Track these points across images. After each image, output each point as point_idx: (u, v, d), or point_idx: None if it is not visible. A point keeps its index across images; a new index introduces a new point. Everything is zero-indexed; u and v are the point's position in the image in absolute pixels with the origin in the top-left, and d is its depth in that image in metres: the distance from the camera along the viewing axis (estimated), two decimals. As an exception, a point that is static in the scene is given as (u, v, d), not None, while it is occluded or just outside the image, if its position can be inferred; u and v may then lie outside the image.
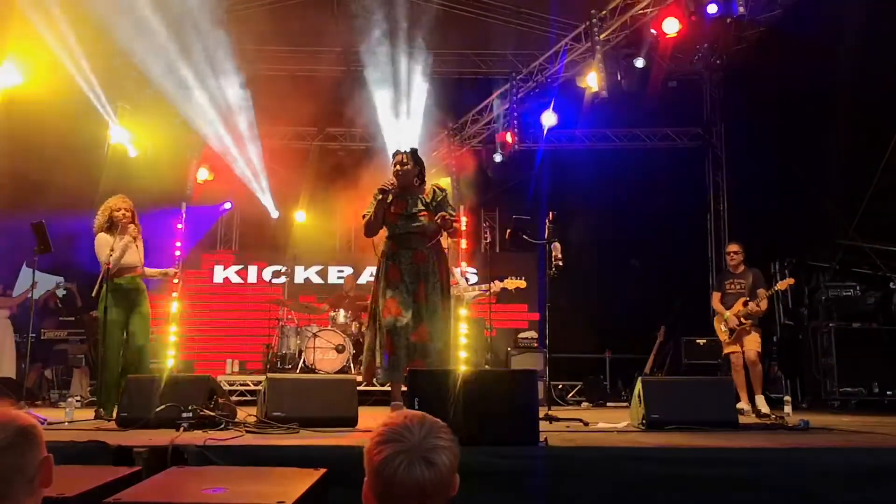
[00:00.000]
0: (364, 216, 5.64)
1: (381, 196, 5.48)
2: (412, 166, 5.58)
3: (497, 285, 7.72)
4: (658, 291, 11.16)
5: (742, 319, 7.44)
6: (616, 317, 11.27)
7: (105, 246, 6.17)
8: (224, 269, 11.87)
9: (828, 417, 6.86)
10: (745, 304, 7.44)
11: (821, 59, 8.95)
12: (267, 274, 11.58)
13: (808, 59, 9.18)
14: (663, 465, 3.65)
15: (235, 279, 11.84)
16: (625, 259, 11.51)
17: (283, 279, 10.83)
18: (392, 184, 5.52)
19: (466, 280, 8.44)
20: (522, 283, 7.26)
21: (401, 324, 5.28)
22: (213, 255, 12.06)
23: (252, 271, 11.82)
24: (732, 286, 7.69)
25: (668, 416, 4.99)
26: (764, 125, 10.28)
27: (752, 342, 7.43)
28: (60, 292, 9.87)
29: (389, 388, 5.50)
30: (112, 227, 6.27)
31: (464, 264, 8.05)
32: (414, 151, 5.69)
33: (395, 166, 5.60)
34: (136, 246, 6.37)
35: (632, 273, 11.34)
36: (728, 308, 7.58)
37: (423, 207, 5.52)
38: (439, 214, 5.36)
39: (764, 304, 7.46)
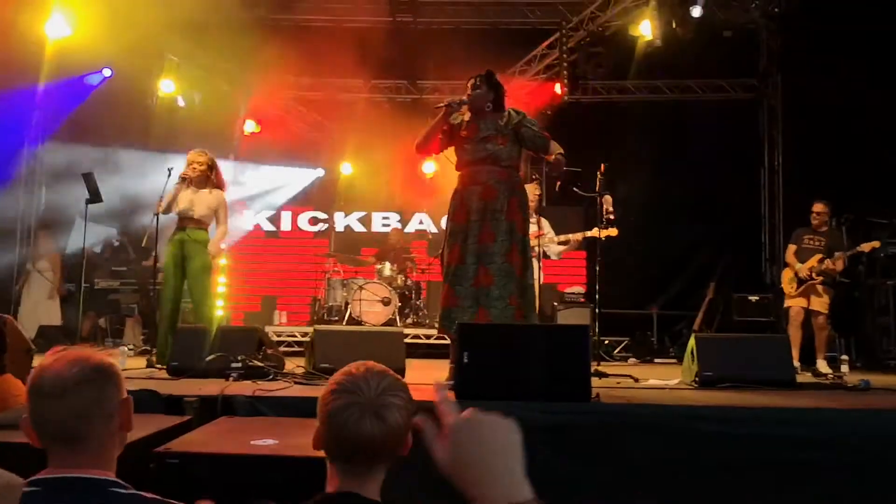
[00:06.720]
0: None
1: (444, 107, 4.91)
2: (485, 90, 4.97)
3: (578, 236, 7.17)
4: (707, 247, 10.94)
5: (814, 275, 7.28)
6: (664, 272, 11.09)
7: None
8: (257, 216, 11.81)
9: (886, 377, 6.65)
10: (821, 261, 7.27)
11: (887, 5, 8.58)
12: (303, 221, 11.62)
13: (871, 5, 8.80)
14: (719, 424, 3.56)
15: (268, 227, 11.82)
16: (673, 214, 11.26)
17: (324, 227, 10.81)
18: (460, 99, 4.95)
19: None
20: (614, 231, 6.52)
21: (461, 271, 4.80)
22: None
23: (286, 217, 11.82)
24: (811, 241, 7.50)
25: (722, 373, 4.87)
26: (823, 76, 9.88)
27: (821, 304, 7.29)
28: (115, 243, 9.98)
29: (438, 341, 5.11)
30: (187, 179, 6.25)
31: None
32: (489, 74, 5.05)
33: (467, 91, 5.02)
34: (205, 199, 6.31)
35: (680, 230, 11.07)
36: (802, 262, 7.42)
37: (495, 132, 4.92)
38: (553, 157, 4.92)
39: (840, 265, 7.27)
